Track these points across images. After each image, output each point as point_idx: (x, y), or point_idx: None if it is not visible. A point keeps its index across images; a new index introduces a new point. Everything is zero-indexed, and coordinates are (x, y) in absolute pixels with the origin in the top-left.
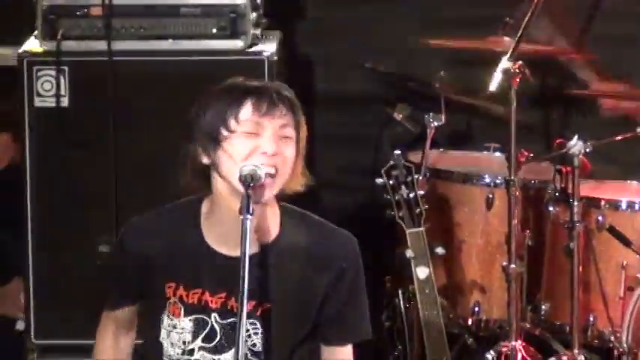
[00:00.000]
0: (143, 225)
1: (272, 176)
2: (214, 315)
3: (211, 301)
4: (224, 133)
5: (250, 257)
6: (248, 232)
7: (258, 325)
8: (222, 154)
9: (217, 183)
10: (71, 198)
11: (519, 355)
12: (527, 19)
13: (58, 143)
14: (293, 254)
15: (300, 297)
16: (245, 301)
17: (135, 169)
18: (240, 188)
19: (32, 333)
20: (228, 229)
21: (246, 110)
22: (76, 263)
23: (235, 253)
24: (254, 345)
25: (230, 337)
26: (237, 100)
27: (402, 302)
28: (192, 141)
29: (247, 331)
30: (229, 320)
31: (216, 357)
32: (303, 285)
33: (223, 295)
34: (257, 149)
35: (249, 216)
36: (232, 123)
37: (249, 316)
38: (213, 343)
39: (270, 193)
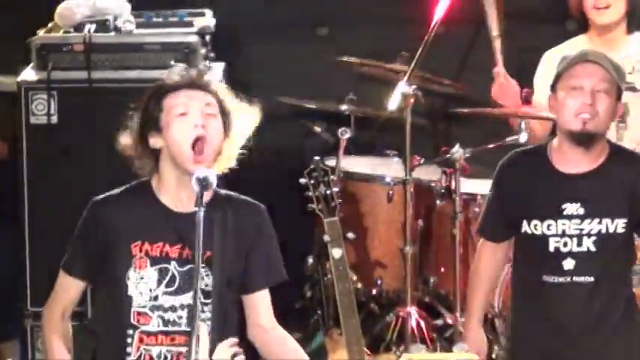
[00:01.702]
0: (108, 200)
1: (203, 140)
2: (174, 263)
3: (171, 252)
4: (164, 119)
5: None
6: (201, 221)
7: (208, 270)
8: (169, 136)
9: (165, 160)
10: (60, 195)
11: (413, 318)
12: (419, 51)
13: (49, 152)
14: (223, 215)
15: (233, 249)
16: (199, 271)
17: (109, 171)
18: (186, 159)
19: (28, 301)
20: (177, 191)
21: (174, 98)
22: (64, 244)
23: (185, 210)
24: (206, 285)
25: (187, 282)
26: (169, 92)
27: (321, 277)
28: (142, 133)
29: (200, 273)
30: (186, 267)
31: (176, 298)
32: (233, 240)
33: (179, 246)
34: (189, 124)
35: (202, 208)
36: (166, 111)
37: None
38: (174, 287)
39: (208, 159)
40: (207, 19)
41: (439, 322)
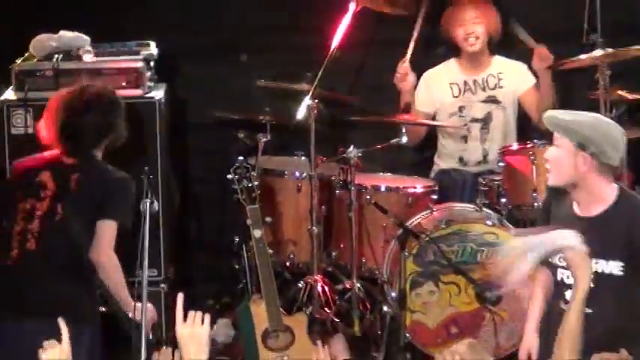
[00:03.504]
0: None
1: None
2: None
3: None
4: None
5: None
6: (148, 211)
7: None
8: None
9: None
10: None
11: (319, 284)
12: (321, 71)
13: (26, 156)
14: None
15: None
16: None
17: None
18: None
19: None
20: None
21: None
22: None
23: None
24: None
25: None
26: None
27: (245, 252)
28: None
29: None
30: None
31: None
32: None
33: None
34: None
35: (148, 200)
36: None
37: None
38: None
39: None
40: (151, 49)
41: (340, 287)
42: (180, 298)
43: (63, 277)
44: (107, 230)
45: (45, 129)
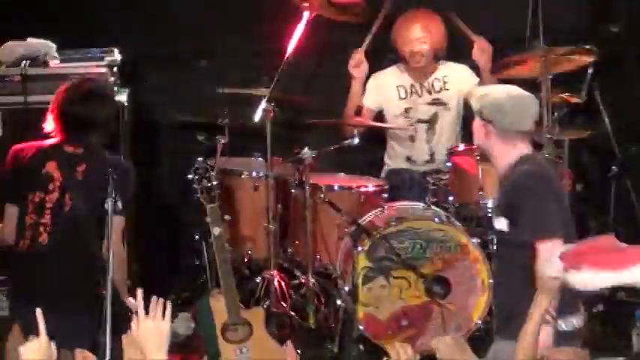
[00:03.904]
0: None
1: None
2: None
3: None
4: None
5: None
6: (110, 208)
7: None
8: None
9: None
10: None
11: (276, 279)
12: (276, 76)
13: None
14: None
15: None
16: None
17: None
18: None
19: None
20: None
21: None
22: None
23: None
24: None
25: None
26: None
27: (205, 249)
28: None
29: None
30: None
31: None
32: None
33: None
34: None
35: (112, 199)
36: None
37: None
38: None
39: None
40: (114, 55)
41: (295, 282)
42: (139, 293)
43: (72, 268)
44: (117, 225)
45: (49, 119)
